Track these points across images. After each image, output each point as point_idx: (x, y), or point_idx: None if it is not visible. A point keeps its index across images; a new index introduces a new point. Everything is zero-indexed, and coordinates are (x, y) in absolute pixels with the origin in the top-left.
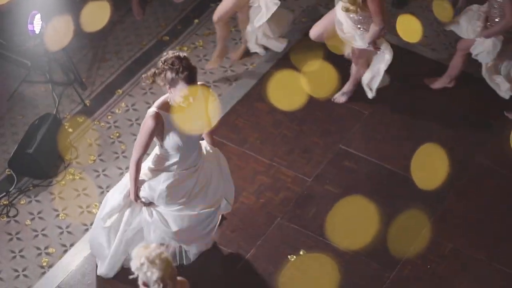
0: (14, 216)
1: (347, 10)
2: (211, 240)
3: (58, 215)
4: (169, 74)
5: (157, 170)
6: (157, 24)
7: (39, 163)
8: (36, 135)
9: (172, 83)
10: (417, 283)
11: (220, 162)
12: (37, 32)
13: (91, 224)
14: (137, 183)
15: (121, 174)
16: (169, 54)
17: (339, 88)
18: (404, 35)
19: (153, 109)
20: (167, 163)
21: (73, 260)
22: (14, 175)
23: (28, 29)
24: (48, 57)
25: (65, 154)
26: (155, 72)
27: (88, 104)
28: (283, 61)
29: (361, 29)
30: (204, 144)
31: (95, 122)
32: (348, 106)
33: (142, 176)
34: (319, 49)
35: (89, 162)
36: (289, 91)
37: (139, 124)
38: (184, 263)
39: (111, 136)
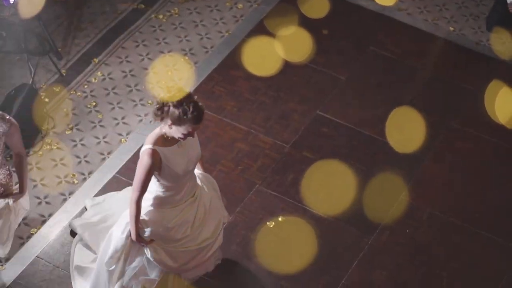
0: None
1: None
2: (212, 264)
3: (35, 186)
4: (176, 112)
5: (156, 208)
6: None
7: None
8: (12, 106)
9: (177, 122)
10: (396, 248)
11: (215, 187)
12: (11, 2)
13: (69, 194)
14: (138, 223)
15: (98, 144)
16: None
17: (314, 52)
18: None
19: (148, 147)
20: (166, 198)
21: (52, 231)
22: None
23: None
24: (23, 27)
25: (41, 124)
26: (158, 107)
27: (64, 74)
28: (259, 27)
29: None
30: (196, 172)
31: (72, 92)
32: (325, 72)
33: (142, 215)
34: (293, 15)
35: (66, 132)
36: (265, 57)
37: (116, 93)
38: None
39: (88, 106)
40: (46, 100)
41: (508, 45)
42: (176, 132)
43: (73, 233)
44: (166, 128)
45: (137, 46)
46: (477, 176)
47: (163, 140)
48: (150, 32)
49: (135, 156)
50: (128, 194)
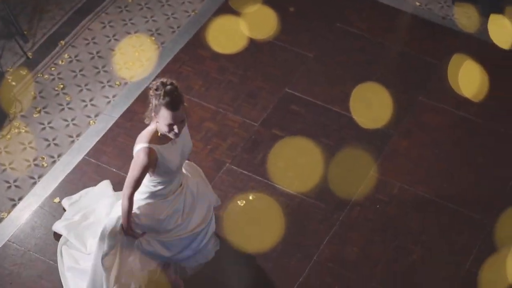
0: None
1: None
2: (211, 252)
3: (5, 170)
4: (154, 100)
5: (148, 201)
6: None
7: None
8: None
9: (156, 110)
10: (367, 223)
11: (200, 173)
12: None
13: (39, 177)
14: (131, 217)
15: (67, 126)
16: (157, 80)
17: (281, 30)
18: None
19: (144, 146)
20: (157, 192)
21: (22, 214)
22: None
23: None
24: None
25: (9, 108)
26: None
27: (30, 57)
28: (225, 6)
29: None
30: None
31: (39, 75)
32: (293, 49)
33: (134, 209)
34: None
35: (34, 115)
36: (232, 36)
37: (83, 75)
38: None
39: (56, 88)
40: (13, 83)
41: (474, 19)
42: (161, 124)
43: (56, 236)
44: (155, 123)
45: (104, 27)
46: (445, 149)
47: (157, 138)
48: (116, 13)
49: (104, 138)
50: (103, 188)
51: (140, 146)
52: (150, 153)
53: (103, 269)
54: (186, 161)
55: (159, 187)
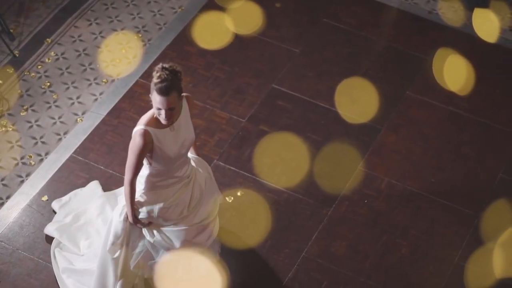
0: None
1: None
2: (216, 252)
3: None
4: (151, 83)
5: (151, 190)
6: None
7: None
8: None
9: (151, 92)
10: (355, 218)
11: (208, 170)
12: None
13: (27, 176)
14: (133, 205)
15: (54, 124)
16: (162, 62)
17: (268, 25)
18: None
19: (140, 127)
20: (160, 181)
21: (10, 213)
22: None
23: None
24: None
25: None
26: None
27: (17, 55)
28: (212, 2)
29: None
30: (190, 156)
31: (25, 73)
32: (279, 45)
33: (137, 197)
34: None
35: (21, 113)
36: (218, 32)
37: (70, 73)
38: None
39: (42, 86)
40: (0, 81)
41: (460, 13)
42: (154, 107)
43: (48, 239)
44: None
45: (90, 24)
46: (433, 144)
47: (155, 122)
48: (102, 10)
49: (92, 136)
50: (93, 189)
51: (136, 128)
52: (145, 134)
53: (110, 259)
54: (195, 156)
55: (160, 178)
